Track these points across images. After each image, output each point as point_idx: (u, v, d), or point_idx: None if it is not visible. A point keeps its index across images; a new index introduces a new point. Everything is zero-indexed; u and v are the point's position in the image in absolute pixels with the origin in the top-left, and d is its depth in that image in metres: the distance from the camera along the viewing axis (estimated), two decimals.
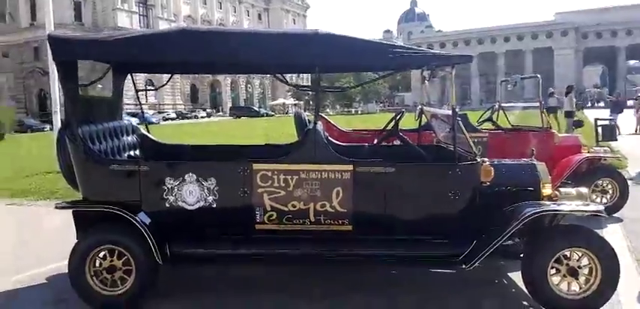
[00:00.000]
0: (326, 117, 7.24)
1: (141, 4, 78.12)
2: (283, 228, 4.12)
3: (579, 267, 3.96)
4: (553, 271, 3.96)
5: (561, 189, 4.34)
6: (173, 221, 4.10)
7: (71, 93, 4.18)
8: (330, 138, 6.25)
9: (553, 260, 3.93)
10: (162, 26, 79.23)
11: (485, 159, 4.22)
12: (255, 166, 4.06)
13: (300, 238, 4.16)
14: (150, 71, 6.37)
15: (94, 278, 4.08)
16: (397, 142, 5.54)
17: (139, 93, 5.80)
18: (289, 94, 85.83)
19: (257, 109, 73.60)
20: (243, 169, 4.05)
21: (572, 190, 4.31)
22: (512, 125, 8.31)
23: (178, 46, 4.08)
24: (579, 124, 14.99)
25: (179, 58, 4.33)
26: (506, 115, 8.51)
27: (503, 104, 8.54)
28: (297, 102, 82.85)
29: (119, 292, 4.07)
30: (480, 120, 8.10)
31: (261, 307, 4.25)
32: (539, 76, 7.92)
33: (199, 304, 4.31)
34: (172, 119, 62.29)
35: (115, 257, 4.06)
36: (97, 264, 4.09)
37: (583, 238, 4.01)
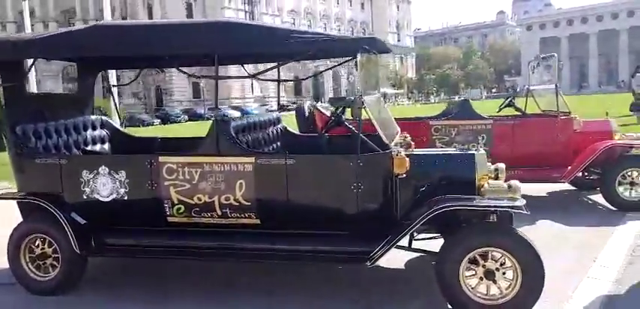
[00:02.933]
0: (319, 106, 7.04)
1: (246, 2, 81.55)
2: (193, 221, 4.13)
3: (497, 269, 3.56)
4: (470, 272, 3.60)
5: (490, 182, 3.85)
6: (91, 213, 4.27)
7: (8, 92, 4.51)
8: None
9: (467, 260, 3.56)
10: (267, 21, 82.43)
11: (401, 149, 3.89)
12: (162, 159, 4.10)
13: (210, 232, 4.15)
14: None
15: (30, 264, 4.39)
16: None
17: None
18: (389, 82, 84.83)
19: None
20: (150, 162, 4.11)
21: (503, 184, 3.82)
22: (542, 111, 7.52)
23: (92, 42, 4.22)
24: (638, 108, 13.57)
25: (94, 54, 4.49)
26: (536, 100, 7.72)
27: (532, 88, 7.74)
28: (397, 91, 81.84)
29: (49, 278, 4.35)
30: (502, 106, 7.41)
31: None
32: (555, 55, 7.06)
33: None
34: (273, 111, 64.06)
35: (46, 245, 4.35)
36: (32, 251, 4.39)
37: (502, 237, 3.59)
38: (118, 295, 4.42)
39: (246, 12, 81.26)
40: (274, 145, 5.23)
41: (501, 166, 4.25)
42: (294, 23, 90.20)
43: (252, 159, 3.96)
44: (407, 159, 3.81)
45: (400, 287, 4.36)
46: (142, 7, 78.00)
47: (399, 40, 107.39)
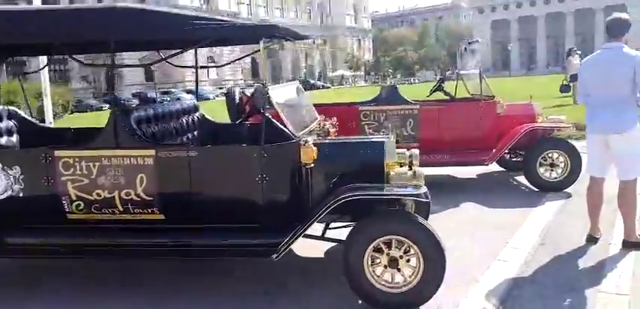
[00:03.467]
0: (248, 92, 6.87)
1: None
2: (94, 218, 3.96)
3: (401, 257, 3.56)
4: (376, 261, 3.59)
5: (396, 169, 3.85)
6: None
7: None
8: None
9: (372, 249, 3.55)
10: (223, 3, 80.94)
11: (309, 139, 3.82)
12: (57, 153, 3.89)
13: (113, 228, 3.99)
14: None
15: None
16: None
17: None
18: (347, 65, 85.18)
19: (312, 82, 73.37)
20: (45, 157, 3.90)
21: (407, 171, 3.82)
22: (471, 95, 7.63)
23: None
24: (566, 88, 14.34)
25: None
26: (465, 84, 7.82)
27: (461, 72, 7.86)
28: (355, 73, 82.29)
29: None
30: (432, 90, 7.48)
31: None
32: (479, 40, 7.18)
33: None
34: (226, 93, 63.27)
35: None
36: None
37: (403, 225, 3.58)
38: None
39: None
40: (189, 136, 5.07)
41: (415, 152, 4.27)
42: (249, 6, 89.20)
43: (152, 151, 3.81)
44: (314, 148, 3.75)
45: (313, 277, 4.33)
46: None
47: (356, 23, 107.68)
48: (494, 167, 7.49)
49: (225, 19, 3.96)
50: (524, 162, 6.62)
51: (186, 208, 3.88)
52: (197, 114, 5.35)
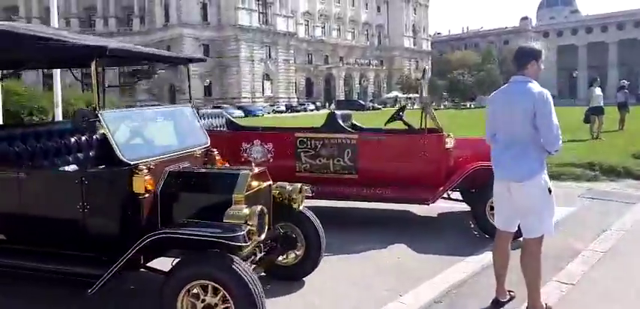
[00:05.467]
0: (227, 114, 6.71)
1: (259, 2, 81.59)
2: None
3: (216, 305, 3.20)
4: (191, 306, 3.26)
5: (234, 207, 3.43)
6: None
7: None
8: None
9: (185, 292, 3.22)
10: (281, 23, 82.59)
11: (143, 165, 3.50)
12: None
13: None
14: None
15: None
16: None
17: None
18: (399, 86, 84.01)
19: (362, 103, 72.81)
20: None
21: (243, 210, 3.39)
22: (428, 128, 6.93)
23: None
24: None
25: None
26: (434, 116, 7.16)
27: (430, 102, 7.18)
28: (408, 95, 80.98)
29: None
30: (389, 120, 6.89)
31: None
32: (426, 67, 6.53)
33: None
34: (281, 112, 64.29)
35: None
36: None
37: (217, 271, 3.19)
38: None
39: (260, 13, 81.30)
40: (80, 155, 4.86)
41: (297, 186, 4.13)
42: (306, 27, 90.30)
43: None
44: (148, 178, 3.45)
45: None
46: (160, 6, 78.55)
47: (414, 44, 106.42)
48: (463, 206, 6.79)
49: (61, 38, 3.70)
50: (472, 205, 5.97)
51: (21, 230, 3.76)
52: (100, 133, 5.16)
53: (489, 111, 4.02)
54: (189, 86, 4.76)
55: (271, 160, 6.27)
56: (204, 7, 78.07)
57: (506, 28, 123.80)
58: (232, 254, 3.20)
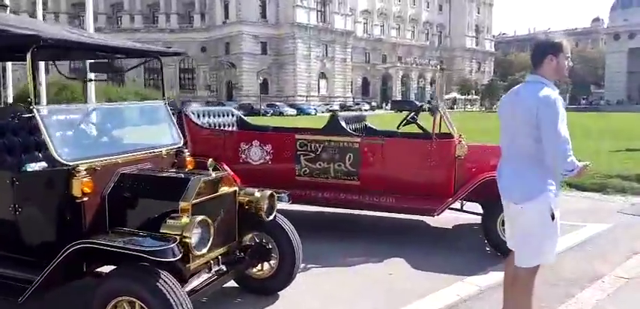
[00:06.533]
0: (188, 112, 6.40)
1: (318, 1, 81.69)
2: None
3: None
4: None
5: (172, 216, 3.16)
6: None
7: None
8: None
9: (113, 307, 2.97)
10: (339, 21, 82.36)
11: (83, 166, 3.27)
12: None
13: None
14: None
15: None
16: None
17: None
18: (456, 88, 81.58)
19: (420, 103, 71.01)
20: None
21: (183, 220, 3.12)
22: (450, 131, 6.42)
23: None
24: None
25: None
26: (446, 120, 6.62)
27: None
28: (467, 97, 78.68)
29: None
30: (402, 123, 6.41)
31: None
32: (439, 67, 5.98)
33: None
34: (334, 111, 63.93)
35: None
36: None
37: (138, 284, 2.92)
38: None
39: (318, 11, 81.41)
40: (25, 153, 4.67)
41: (266, 193, 3.80)
42: (365, 25, 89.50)
43: None
44: (87, 180, 3.23)
45: None
46: (220, 4, 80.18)
47: (477, 45, 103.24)
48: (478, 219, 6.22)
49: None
50: (483, 219, 5.42)
51: None
52: None
53: (498, 117, 3.51)
54: (162, 81, 4.52)
55: (270, 163, 5.98)
56: (263, 4, 79.07)
57: (575, 29, 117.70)
58: (162, 269, 2.91)
